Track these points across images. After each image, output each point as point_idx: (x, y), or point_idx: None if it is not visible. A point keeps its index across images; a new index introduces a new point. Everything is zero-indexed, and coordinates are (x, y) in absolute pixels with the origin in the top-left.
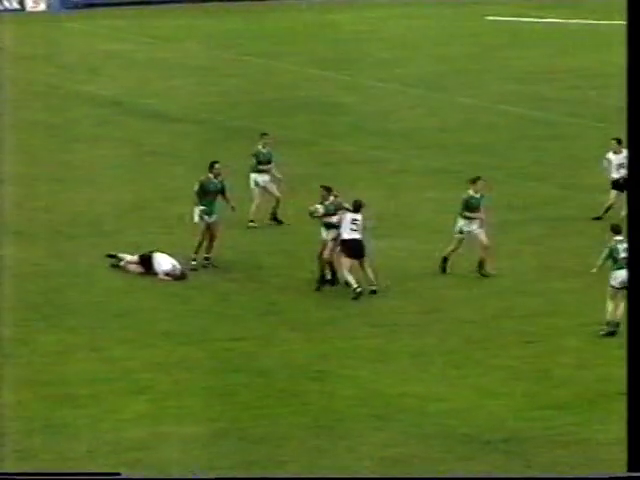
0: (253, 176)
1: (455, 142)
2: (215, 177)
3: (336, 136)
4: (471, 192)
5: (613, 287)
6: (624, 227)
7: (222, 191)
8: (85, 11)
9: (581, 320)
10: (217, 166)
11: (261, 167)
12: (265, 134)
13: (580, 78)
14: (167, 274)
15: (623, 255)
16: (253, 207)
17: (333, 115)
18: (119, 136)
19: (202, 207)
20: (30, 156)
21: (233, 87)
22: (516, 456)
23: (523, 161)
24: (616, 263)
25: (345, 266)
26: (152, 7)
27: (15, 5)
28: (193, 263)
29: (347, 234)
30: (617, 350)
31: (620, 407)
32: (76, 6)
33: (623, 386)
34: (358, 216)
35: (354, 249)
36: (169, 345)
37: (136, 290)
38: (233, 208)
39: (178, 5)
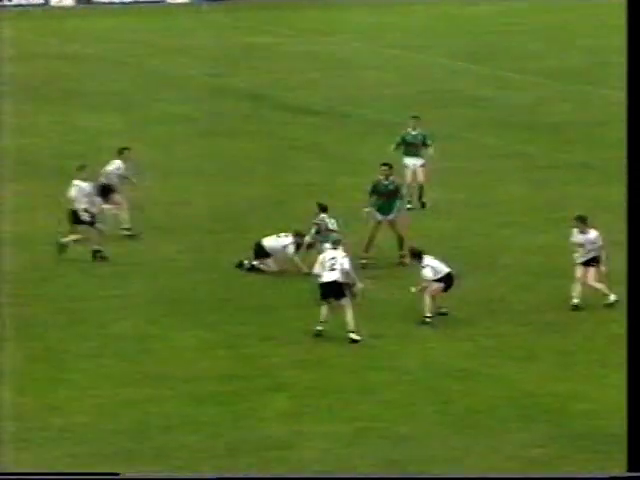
0: (405, 160)
1: (603, 136)
2: (386, 178)
3: (481, 130)
4: None
5: None
6: None
7: (395, 192)
8: (227, 3)
9: None
10: (383, 168)
11: (410, 150)
12: (415, 116)
13: None
14: None
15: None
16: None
17: (478, 108)
18: (259, 129)
19: (368, 209)
20: (168, 149)
21: (376, 80)
22: None
23: None
24: None
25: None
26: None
27: None
28: (363, 262)
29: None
30: None
31: None
32: None
33: None
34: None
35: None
36: (308, 342)
37: (275, 286)
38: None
39: None
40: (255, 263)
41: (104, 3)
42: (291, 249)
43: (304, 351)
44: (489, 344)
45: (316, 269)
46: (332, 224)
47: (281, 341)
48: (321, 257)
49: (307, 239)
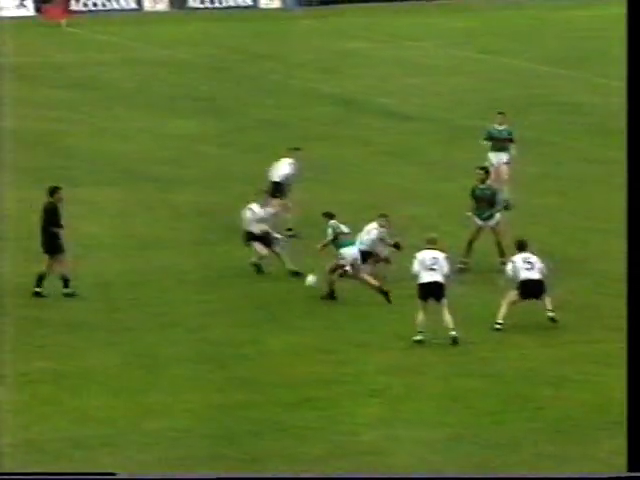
0: (489, 155)
1: None
2: (482, 182)
3: (574, 135)
4: None
5: None
6: None
7: (492, 197)
8: (320, 8)
9: None
10: (478, 172)
11: (496, 145)
12: (501, 112)
13: None
14: None
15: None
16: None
17: (568, 114)
18: (353, 135)
19: (469, 213)
20: (261, 155)
21: (467, 85)
22: None
23: None
24: None
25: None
26: (388, 4)
27: (248, 1)
28: (460, 266)
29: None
30: None
31: None
32: (311, 3)
33: None
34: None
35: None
36: (403, 348)
37: (368, 293)
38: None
39: (414, 3)
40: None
41: (197, 8)
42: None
43: (397, 357)
44: (583, 350)
45: (415, 268)
46: (345, 228)
47: (374, 346)
48: (420, 256)
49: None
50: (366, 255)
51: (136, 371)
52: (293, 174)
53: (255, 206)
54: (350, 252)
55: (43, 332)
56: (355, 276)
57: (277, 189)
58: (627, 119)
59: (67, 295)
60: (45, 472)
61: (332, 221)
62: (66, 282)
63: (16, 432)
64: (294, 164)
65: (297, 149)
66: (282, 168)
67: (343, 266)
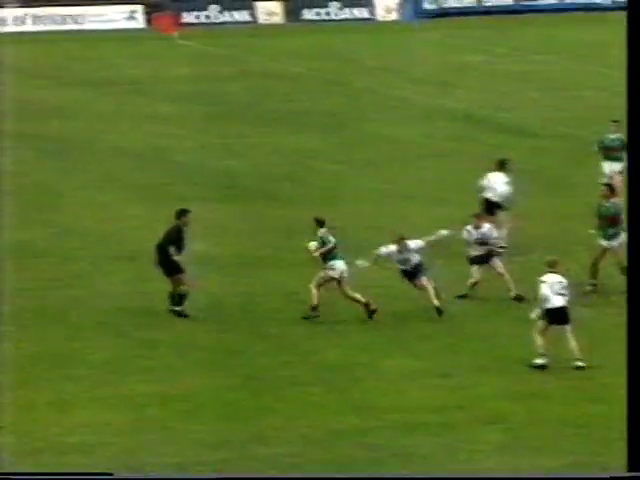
0: (603, 165)
1: None
2: (606, 200)
3: None
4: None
5: None
6: None
7: (616, 216)
8: (439, 20)
9: None
10: (602, 189)
11: (609, 154)
12: (615, 121)
13: None
14: None
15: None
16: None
17: None
18: (473, 151)
19: (592, 231)
20: (379, 172)
21: (594, 101)
22: None
23: None
24: None
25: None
26: (509, 16)
27: (365, 14)
28: (588, 288)
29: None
30: None
31: None
32: (429, 15)
33: None
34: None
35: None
36: (523, 372)
37: (490, 314)
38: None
39: (537, 14)
40: None
41: (313, 20)
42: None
43: (518, 381)
44: None
45: (544, 291)
46: (332, 239)
47: (494, 371)
48: (548, 279)
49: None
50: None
51: (247, 394)
52: (510, 192)
53: (470, 227)
54: (340, 264)
55: (152, 353)
56: (341, 290)
57: (494, 207)
58: (627, 120)
59: (176, 313)
60: (45, 472)
61: (322, 229)
62: (181, 299)
63: (118, 456)
64: (508, 181)
65: (505, 161)
66: (499, 186)
67: (333, 278)
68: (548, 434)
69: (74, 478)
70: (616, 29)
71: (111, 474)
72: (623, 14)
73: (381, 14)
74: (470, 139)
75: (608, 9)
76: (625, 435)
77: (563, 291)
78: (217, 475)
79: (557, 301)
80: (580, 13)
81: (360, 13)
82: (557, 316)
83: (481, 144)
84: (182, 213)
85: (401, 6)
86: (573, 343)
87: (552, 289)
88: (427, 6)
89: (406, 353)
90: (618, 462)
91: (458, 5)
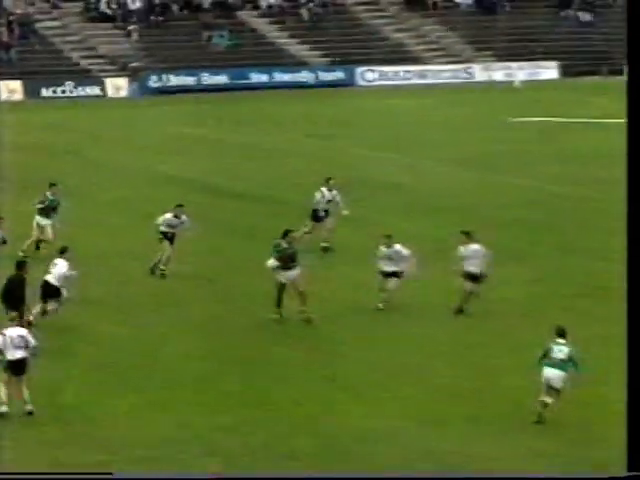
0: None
1: (503, 217)
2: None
3: (391, 213)
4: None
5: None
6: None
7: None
8: (162, 97)
9: None
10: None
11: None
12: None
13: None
14: None
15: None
16: None
17: (389, 194)
18: (191, 212)
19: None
20: (109, 233)
21: (304, 168)
22: None
23: (569, 236)
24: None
25: None
26: (225, 93)
27: (97, 91)
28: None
29: None
30: None
31: None
32: (154, 92)
33: None
34: None
35: None
36: (236, 407)
37: (204, 354)
38: None
39: (249, 92)
40: None
41: (50, 97)
42: None
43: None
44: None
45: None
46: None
47: (210, 408)
48: (8, 333)
49: None
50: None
51: None
52: None
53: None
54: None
55: None
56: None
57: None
58: (627, 123)
59: None
60: (45, 472)
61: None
62: None
63: None
64: None
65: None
66: None
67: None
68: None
69: (74, 478)
70: (319, 103)
71: (111, 474)
72: (326, 89)
73: (111, 91)
74: (189, 202)
75: (312, 86)
76: (625, 435)
77: (22, 344)
78: (217, 475)
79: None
80: (286, 90)
81: (92, 91)
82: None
83: (198, 206)
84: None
85: (129, 84)
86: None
87: (11, 343)
88: (152, 84)
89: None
90: None
91: (180, 83)
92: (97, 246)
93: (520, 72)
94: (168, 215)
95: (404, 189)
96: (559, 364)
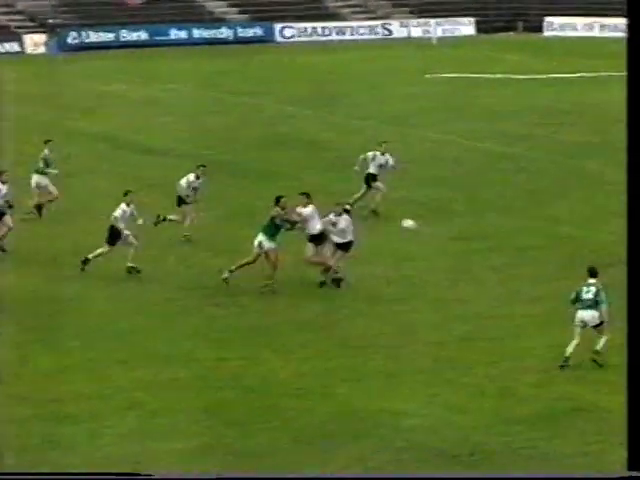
0: None
1: (424, 175)
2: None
3: (318, 170)
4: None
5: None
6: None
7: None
8: (81, 54)
9: (542, 342)
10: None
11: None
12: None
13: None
14: None
15: (586, 297)
16: None
17: (314, 151)
18: (115, 169)
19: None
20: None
21: (219, 124)
22: (481, 469)
23: (488, 194)
24: (580, 303)
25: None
26: (143, 50)
27: (16, 48)
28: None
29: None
30: (574, 371)
31: (578, 423)
32: (73, 49)
33: (580, 403)
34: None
35: None
36: (159, 365)
37: (129, 313)
38: None
39: (168, 48)
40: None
41: None
42: None
43: (153, 373)
44: (323, 365)
45: None
46: None
47: (133, 364)
48: None
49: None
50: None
51: None
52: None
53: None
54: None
55: None
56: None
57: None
58: (627, 120)
59: None
60: (45, 472)
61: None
62: None
63: None
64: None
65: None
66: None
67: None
68: (177, 420)
69: (74, 478)
70: (238, 59)
71: (112, 474)
72: (245, 46)
73: (30, 48)
74: (111, 158)
75: (231, 43)
76: (625, 435)
77: None
78: (217, 475)
79: None
80: (206, 47)
81: (11, 47)
82: None
83: (122, 163)
84: None
85: (48, 40)
86: None
87: None
88: (71, 41)
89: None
90: (246, 442)
91: (98, 40)
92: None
93: (437, 28)
94: (191, 177)
95: (326, 146)
96: (590, 304)
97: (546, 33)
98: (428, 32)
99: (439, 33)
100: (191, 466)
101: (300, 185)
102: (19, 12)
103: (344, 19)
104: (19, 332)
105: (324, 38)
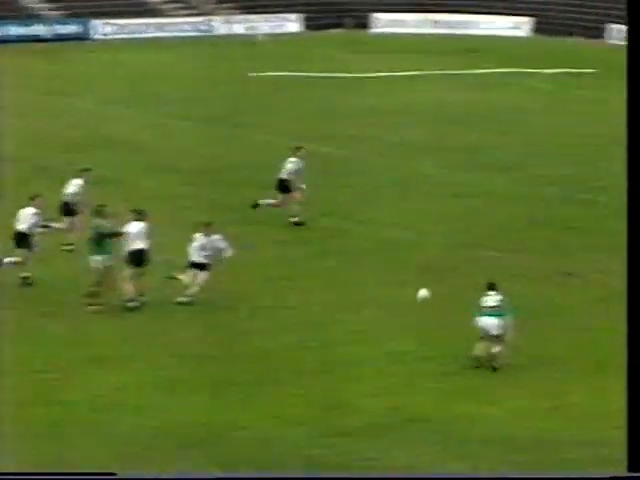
0: None
1: (251, 178)
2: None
3: (132, 172)
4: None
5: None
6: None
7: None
8: None
9: (377, 349)
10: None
11: None
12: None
13: None
14: None
15: (488, 304)
16: None
17: (130, 152)
18: None
19: None
20: None
21: (41, 126)
22: None
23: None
24: (481, 311)
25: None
26: None
27: None
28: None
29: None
30: (406, 379)
31: (413, 433)
32: None
33: (414, 414)
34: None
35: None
36: None
37: None
38: None
39: None
40: None
41: None
42: None
43: None
44: (146, 379)
45: None
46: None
47: None
48: None
49: None
50: None
51: None
52: None
53: None
54: None
55: None
56: None
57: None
58: (627, 120)
59: None
60: (45, 472)
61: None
62: None
63: None
64: None
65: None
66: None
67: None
68: None
69: (74, 478)
70: (54, 58)
71: (114, 474)
72: (62, 44)
73: None
74: None
75: (47, 40)
76: (625, 435)
77: None
78: (217, 475)
79: None
80: (22, 44)
81: None
82: None
83: None
84: None
85: None
86: None
87: None
88: None
89: None
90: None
91: None
92: None
93: (262, 25)
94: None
95: (145, 147)
96: (491, 312)
97: (374, 30)
98: (252, 29)
99: (264, 30)
100: None
101: (121, 189)
102: None
103: (165, 15)
104: None
105: (143, 35)
